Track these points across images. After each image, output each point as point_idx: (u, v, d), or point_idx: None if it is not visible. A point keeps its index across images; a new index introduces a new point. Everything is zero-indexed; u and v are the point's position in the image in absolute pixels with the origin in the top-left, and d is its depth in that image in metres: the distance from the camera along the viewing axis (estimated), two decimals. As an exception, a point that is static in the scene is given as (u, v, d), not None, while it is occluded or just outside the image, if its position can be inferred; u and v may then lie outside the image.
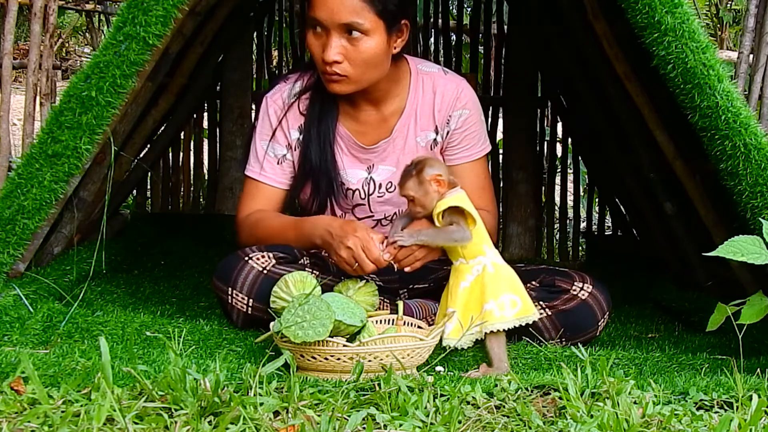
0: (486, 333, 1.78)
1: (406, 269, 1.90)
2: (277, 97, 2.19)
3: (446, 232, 1.82)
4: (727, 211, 2.08)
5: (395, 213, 2.25)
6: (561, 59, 3.15)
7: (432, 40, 3.95)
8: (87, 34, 8.18)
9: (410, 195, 1.84)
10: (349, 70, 2.01)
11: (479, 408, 1.46)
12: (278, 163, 2.18)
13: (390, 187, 2.21)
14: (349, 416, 1.36)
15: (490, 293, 1.79)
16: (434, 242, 1.85)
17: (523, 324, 1.82)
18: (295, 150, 2.18)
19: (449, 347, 1.80)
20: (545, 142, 3.81)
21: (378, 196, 2.22)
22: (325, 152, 2.15)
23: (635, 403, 1.47)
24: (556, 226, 4.01)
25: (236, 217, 2.21)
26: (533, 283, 2.06)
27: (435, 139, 2.21)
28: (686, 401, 1.54)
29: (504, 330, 1.78)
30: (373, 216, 2.25)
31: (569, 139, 3.74)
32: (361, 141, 2.19)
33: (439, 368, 1.72)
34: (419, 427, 1.35)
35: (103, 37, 5.62)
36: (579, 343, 1.91)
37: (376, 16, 1.97)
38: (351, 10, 1.95)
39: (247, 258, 1.98)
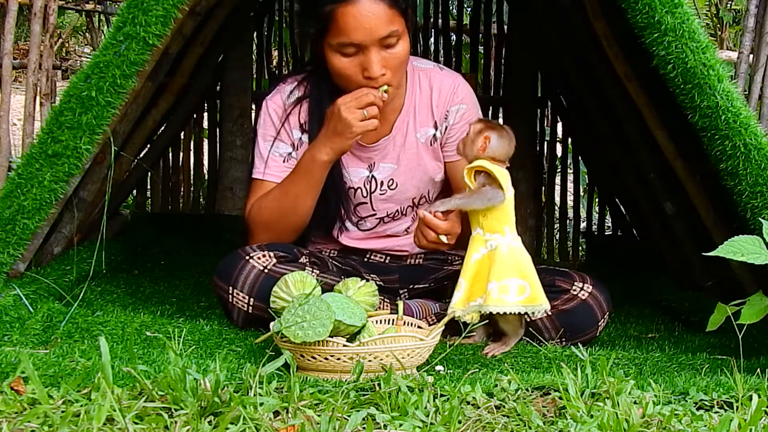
0: (495, 313, 1.80)
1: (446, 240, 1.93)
2: (276, 98, 2.19)
3: (479, 192, 1.86)
4: (727, 211, 2.08)
5: (397, 210, 2.25)
6: (561, 59, 3.15)
7: (432, 40, 3.95)
8: (87, 34, 8.19)
9: (465, 132, 1.97)
10: (392, 77, 2.01)
11: (479, 408, 1.46)
12: (284, 161, 2.17)
13: (392, 184, 2.21)
14: (349, 416, 1.36)
15: (495, 274, 1.80)
16: (469, 205, 1.87)
17: (530, 312, 1.83)
18: (298, 149, 2.18)
19: (458, 318, 1.83)
20: (545, 142, 3.81)
21: (380, 194, 2.22)
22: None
23: (635, 403, 1.47)
24: (556, 226, 4.01)
25: (243, 216, 2.20)
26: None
27: (434, 135, 2.21)
28: (686, 401, 1.54)
29: (512, 313, 1.80)
30: (375, 214, 2.25)
31: (569, 139, 3.74)
32: (362, 140, 2.19)
33: (439, 368, 1.72)
34: (419, 427, 1.35)
35: (103, 37, 5.61)
36: (579, 343, 1.91)
37: (401, 17, 1.98)
38: (386, 22, 1.94)
39: (247, 257, 1.98)
